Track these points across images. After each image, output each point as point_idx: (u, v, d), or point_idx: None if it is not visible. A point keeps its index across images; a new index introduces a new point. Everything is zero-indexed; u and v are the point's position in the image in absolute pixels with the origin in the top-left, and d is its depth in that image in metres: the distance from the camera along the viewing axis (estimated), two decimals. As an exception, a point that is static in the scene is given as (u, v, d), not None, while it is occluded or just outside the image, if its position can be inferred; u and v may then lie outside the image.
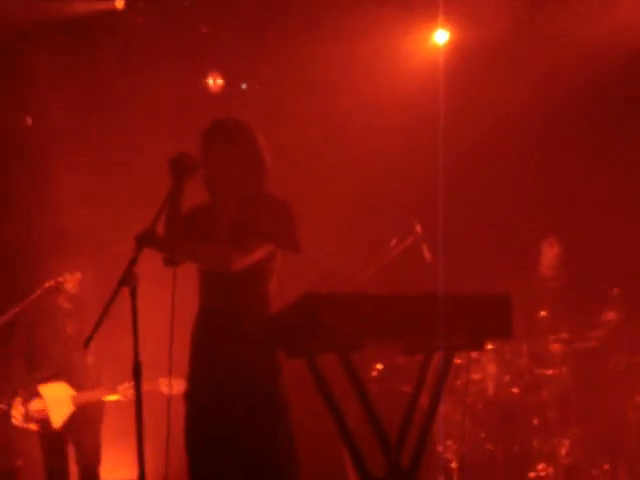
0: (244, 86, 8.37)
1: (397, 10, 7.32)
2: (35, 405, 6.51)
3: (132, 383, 4.41)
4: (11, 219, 7.62)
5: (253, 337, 4.28)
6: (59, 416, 6.48)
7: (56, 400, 6.51)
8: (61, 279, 6.58)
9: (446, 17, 7.53)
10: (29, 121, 8.16)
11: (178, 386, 4.82)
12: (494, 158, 7.93)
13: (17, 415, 6.53)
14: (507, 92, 7.52)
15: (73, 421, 6.51)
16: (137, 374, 3.99)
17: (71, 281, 6.63)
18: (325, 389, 3.98)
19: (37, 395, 6.50)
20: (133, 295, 3.99)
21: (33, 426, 6.54)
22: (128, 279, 3.97)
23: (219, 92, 8.23)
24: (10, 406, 6.55)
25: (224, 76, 8.23)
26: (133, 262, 3.98)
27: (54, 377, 6.54)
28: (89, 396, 6.56)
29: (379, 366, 7.25)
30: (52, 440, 6.54)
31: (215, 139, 4.44)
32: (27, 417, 6.51)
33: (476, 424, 6.93)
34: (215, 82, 8.23)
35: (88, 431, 6.60)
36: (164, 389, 6.27)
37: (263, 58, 7.90)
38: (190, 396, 4.41)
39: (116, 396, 6.56)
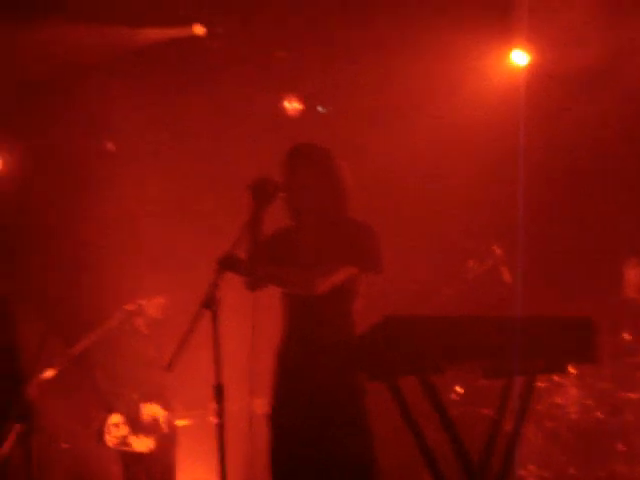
0: (321, 109, 8.39)
1: (474, 31, 7.27)
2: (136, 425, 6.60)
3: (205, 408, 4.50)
4: (91, 241, 7.72)
5: (336, 360, 4.29)
6: (150, 439, 6.56)
7: (153, 421, 6.60)
8: (143, 302, 6.65)
9: (527, 38, 7.46)
10: (109, 146, 8.28)
11: (262, 407, 4.85)
12: (576, 179, 7.83)
13: (112, 437, 6.59)
14: (590, 114, 7.43)
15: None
16: (220, 396, 4.03)
17: (152, 306, 6.69)
18: (406, 412, 3.96)
19: (137, 416, 6.58)
20: (214, 318, 4.04)
21: (129, 447, 6.62)
22: (210, 302, 4.02)
23: (296, 115, 8.26)
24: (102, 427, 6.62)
25: (301, 100, 8.27)
26: (215, 286, 4.03)
27: (144, 399, 6.61)
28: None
29: (459, 389, 7.18)
30: (138, 461, 6.60)
31: (297, 164, 4.47)
32: (124, 439, 6.58)
33: (559, 448, 6.82)
34: (292, 105, 8.27)
35: (163, 453, 6.65)
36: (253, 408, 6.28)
37: (340, 82, 7.92)
38: (275, 418, 4.43)
39: (186, 421, 6.60)
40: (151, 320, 6.71)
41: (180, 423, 6.69)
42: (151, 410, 6.57)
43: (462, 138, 7.67)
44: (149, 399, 6.58)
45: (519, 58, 7.69)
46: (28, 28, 7.13)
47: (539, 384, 6.48)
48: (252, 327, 4.33)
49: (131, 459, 6.59)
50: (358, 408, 4.34)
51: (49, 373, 5.78)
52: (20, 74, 7.51)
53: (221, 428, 3.99)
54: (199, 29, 7.65)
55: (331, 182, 4.48)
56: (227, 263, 4.12)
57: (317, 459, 4.29)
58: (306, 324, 4.40)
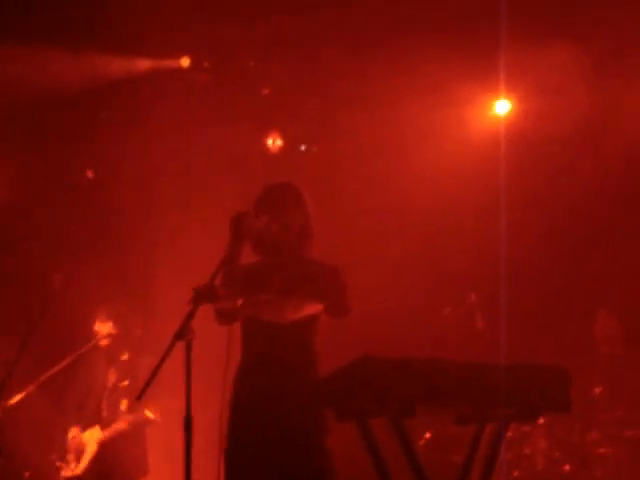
0: (303, 148, 8.42)
1: (460, 78, 7.33)
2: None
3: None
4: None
5: (301, 393, 4.29)
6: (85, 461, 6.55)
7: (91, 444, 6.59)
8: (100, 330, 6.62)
9: (507, 87, 7.53)
10: (90, 174, 8.26)
11: None
12: (554, 231, 7.87)
13: (68, 468, 6.57)
14: (569, 165, 7.49)
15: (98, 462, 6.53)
16: (188, 428, 3.98)
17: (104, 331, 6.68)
18: (375, 453, 3.93)
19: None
20: (188, 349, 4.01)
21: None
22: (184, 333, 3.99)
23: (278, 153, 8.29)
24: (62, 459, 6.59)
25: (283, 137, 8.29)
26: (190, 316, 4.01)
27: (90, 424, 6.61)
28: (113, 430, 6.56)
29: (427, 435, 7.15)
30: None
31: (274, 202, 4.49)
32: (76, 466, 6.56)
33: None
34: (274, 143, 8.29)
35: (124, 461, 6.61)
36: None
37: (324, 121, 7.96)
38: (231, 451, 4.40)
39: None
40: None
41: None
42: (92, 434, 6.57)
43: (445, 185, 7.71)
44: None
45: (501, 108, 7.76)
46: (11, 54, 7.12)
47: (508, 434, 6.46)
48: (226, 359, 4.32)
49: None
50: (322, 445, 4.33)
51: (16, 398, 5.72)
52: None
53: (188, 459, 3.94)
54: (185, 61, 7.66)
55: (304, 221, 4.51)
56: (204, 293, 4.11)
57: None
58: (267, 350, 4.43)
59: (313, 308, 4.43)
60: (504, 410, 3.93)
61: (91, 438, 6.55)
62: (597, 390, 6.96)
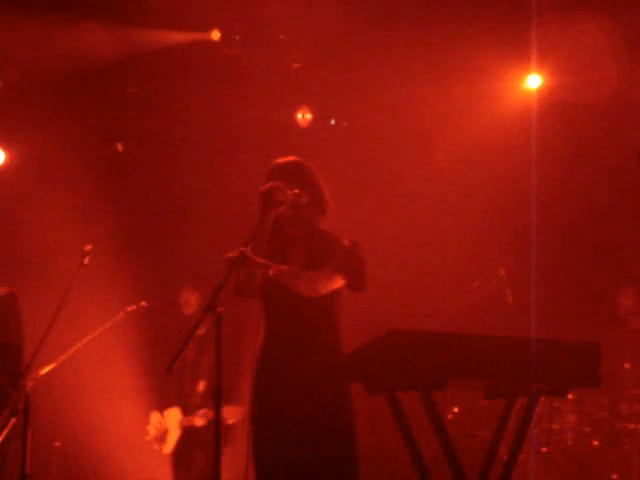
0: (333, 122, 8.39)
1: (492, 53, 7.28)
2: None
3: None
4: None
5: (327, 367, 4.30)
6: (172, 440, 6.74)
7: (173, 424, 6.77)
8: (143, 303, 6.67)
9: (540, 62, 7.47)
10: (119, 147, 8.29)
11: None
12: (583, 205, 7.82)
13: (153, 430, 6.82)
14: (600, 137, 7.43)
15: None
16: (218, 401, 4.00)
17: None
18: (404, 425, 3.93)
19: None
20: (219, 322, 4.01)
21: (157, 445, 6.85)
22: (214, 305, 4.00)
23: (307, 127, 8.27)
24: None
25: (313, 111, 8.27)
26: (221, 287, 4.01)
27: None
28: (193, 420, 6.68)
29: (455, 409, 7.16)
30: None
31: (285, 177, 4.49)
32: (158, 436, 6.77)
33: (553, 474, 6.78)
34: (304, 117, 8.27)
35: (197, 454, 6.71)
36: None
37: (356, 97, 7.92)
38: (257, 420, 4.41)
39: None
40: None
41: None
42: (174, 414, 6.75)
43: (476, 160, 7.68)
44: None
45: (533, 82, 7.70)
46: (48, 26, 7.14)
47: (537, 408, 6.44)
48: (253, 332, 4.34)
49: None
50: (346, 415, 4.34)
51: (47, 368, 5.75)
52: (42, 72, 7.54)
53: (219, 428, 3.96)
54: (215, 34, 7.64)
55: (315, 194, 4.52)
56: (239, 260, 4.12)
57: (300, 465, 4.28)
58: (292, 327, 4.42)
59: (338, 282, 4.42)
60: (534, 384, 3.92)
61: (172, 419, 6.74)
62: (627, 365, 6.93)
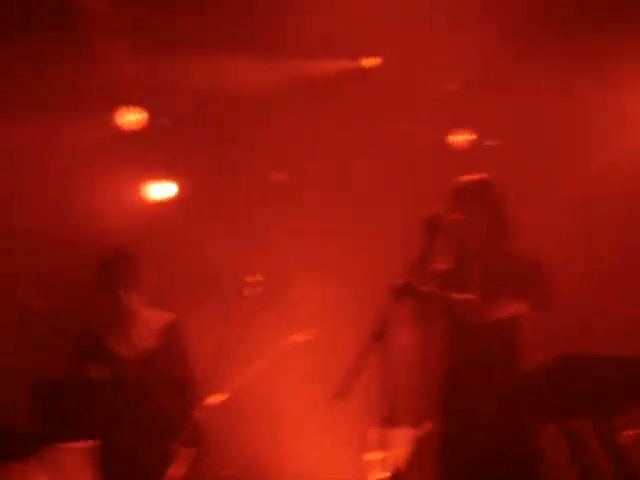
0: (489, 142, 8.31)
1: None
2: None
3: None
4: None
5: (506, 395, 4.22)
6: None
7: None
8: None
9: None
10: (282, 176, 8.42)
11: None
12: None
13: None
14: None
15: None
16: (386, 426, 3.99)
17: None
18: (582, 457, 3.83)
19: None
20: (385, 349, 4.00)
21: None
22: (380, 334, 4.00)
23: (463, 148, 8.21)
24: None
25: (468, 132, 8.21)
26: (386, 315, 4.01)
27: None
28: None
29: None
30: None
31: (464, 198, 4.45)
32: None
33: None
34: (459, 138, 8.22)
35: None
36: None
37: (515, 116, 7.80)
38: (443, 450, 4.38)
39: None
40: None
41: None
42: None
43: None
44: None
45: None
46: (199, 61, 7.34)
47: None
48: (422, 361, 4.31)
49: None
50: (531, 449, 4.25)
51: (218, 398, 5.87)
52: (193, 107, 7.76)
53: (387, 456, 3.97)
54: (372, 61, 7.70)
55: (496, 214, 4.43)
56: (403, 289, 4.12)
57: None
58: (471, 357, 4.35)
59: (516, 307, 4.33)
60: None
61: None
62: None
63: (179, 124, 8.02)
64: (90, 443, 5.63)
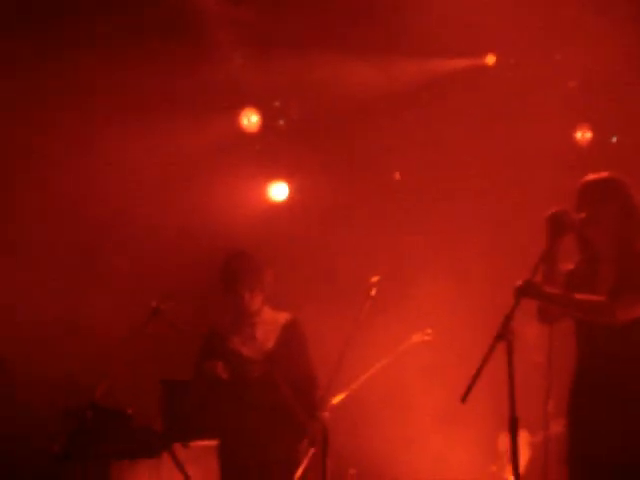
0: (614, 139, 8.15)
1: None
2: None
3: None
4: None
5: (634, 402, 4.12)
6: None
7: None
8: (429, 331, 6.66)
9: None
10: (397, 175, 8.41)
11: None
12: None
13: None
14: None
15: None
16: (514, 429, 3.95)
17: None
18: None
19: None
20: (510, 349, 3.96)
21: None
22: (505, 333, 3.95)
23: (588, 145, 8.07)
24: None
25: (593, 129, 8.07)
26: (510, 316, 3.97)
27: None
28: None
29: None
30: None
31: (591, 196, 4.36)
32: None
33: None
34: (584, 135, 8.09)
35: None
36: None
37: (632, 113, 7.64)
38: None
39: None
40: None
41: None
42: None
43: None
44: None
45: None
46: (308, 67, 7.39)
47: None
48: (548, 362, 4.24)
49: None
50: None
51: (339, 397, 5.89)
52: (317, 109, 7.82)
53: (515, 460, 3.91)
54: (491, 59, 7.64)
55: (626, 212, 4.34)
56: (526, 290, 4.06)
57: None
58: (603, 359, 4.25)
59: None
60: None
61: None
62: None
63: (299, 125, 8.08)
64: (216, 441, 5.73)
